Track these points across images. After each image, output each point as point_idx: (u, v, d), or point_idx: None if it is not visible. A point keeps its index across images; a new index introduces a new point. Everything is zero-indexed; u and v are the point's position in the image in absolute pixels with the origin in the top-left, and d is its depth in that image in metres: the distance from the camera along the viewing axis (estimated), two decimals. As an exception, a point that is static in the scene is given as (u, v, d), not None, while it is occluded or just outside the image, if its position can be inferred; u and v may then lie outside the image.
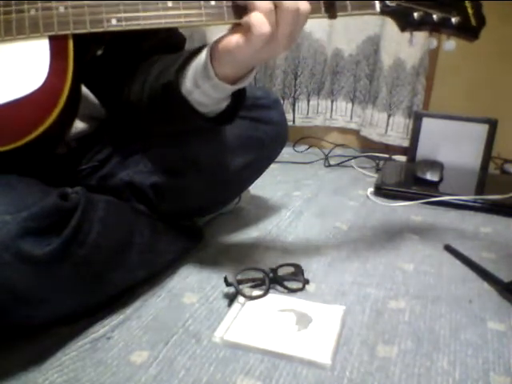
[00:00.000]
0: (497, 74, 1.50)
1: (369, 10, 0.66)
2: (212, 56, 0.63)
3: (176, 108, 0.70)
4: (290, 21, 0.59)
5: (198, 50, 0.67)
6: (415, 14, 0.68)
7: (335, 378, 0.61)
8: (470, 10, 0.70)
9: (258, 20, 0.58)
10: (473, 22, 0.70)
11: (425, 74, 1.58)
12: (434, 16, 0.69)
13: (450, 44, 0.71)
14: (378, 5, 0.66)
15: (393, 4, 0.67)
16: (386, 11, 0.67)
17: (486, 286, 0.83)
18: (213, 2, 0.62)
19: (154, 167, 0.81)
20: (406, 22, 0.69)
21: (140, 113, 0.77)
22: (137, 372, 0.60)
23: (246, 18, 0.59)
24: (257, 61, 0.64)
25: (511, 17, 1.38)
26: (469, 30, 0.71)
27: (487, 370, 0.63)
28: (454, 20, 0.69)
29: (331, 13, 0.64)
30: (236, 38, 0.60)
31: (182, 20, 0.62)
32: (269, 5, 0.58)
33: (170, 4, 0.61)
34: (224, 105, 0.71)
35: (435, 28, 0.70)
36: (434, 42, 0.72)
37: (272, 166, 0.96)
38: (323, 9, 0.64)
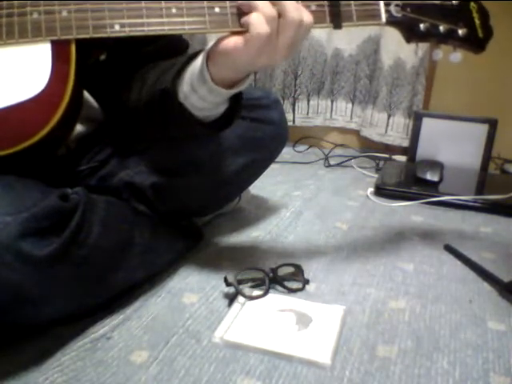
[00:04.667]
0: (497, 74, 1.50)
1: (375, 20, 0.66)
2: (209, 59, 0.63)
3: (173, 113, 0.69)
4: (292, 31, 0.59)
5: (195, 55, 0.67)
6: (421, 26, 0.67)
7: (335, 378, 0.61)
8: (477, 21, 0.69)
9: (257, 20, 0.58)
10: (480, 33, 0.70)
11: (425, 74, 1.58)
12: (441, 27, 0.68)
13: (456, 56, 0.70)
14: (383, 15, 0.66)
15: (399, 15, 0.66)
16: (391, 22, 0.66)
17: (486, 286, 0.83)
18: (217, 9, 0.61)
19: (154, 167, 0.81)
20: (412, 33, 0.68)
21: (138, 118, 0.77)
22: (137, 372, 0.60)
23: (245, 18, 0.59)
24: (254, 66, 0.63)
25: (511, 16, 1.38)
26: (475, 42, 0.70)
27: (487, 370, 0.63)
28: (460, 32, 0.69)
29: (336, 23, 0.63)
30: (234, 40, 0.60)
31: (186, 27, 0.61)
32: (271, 10, 0.58)
33: (173, 10, 0.61)
34: (222, 109, 0.71)
35: (441, 40, 0.69)
36: (440, 54, 0.70)
37: (272, 166, 0.96)
38: (328, 18, 0.64)
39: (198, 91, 0.66)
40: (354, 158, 1.61)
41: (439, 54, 0.70)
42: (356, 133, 1.76)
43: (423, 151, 1.45)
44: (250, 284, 0.79)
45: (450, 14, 0.68)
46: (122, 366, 0.61)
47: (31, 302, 0.60)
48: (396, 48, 1.57)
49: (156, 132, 0.79)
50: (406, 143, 1.62)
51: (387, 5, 0.66)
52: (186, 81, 0.67)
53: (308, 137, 1.75)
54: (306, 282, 0.81)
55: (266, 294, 0.76)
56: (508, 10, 1.36)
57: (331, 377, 0.61)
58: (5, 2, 0.60)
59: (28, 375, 0.59)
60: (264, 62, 0.62)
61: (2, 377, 0.59)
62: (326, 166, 1.56)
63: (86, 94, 0.79)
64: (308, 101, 1.74)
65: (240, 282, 0.77)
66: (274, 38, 0.59)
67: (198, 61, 0.65)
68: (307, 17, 0.60)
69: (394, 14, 0.66)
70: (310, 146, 1.73)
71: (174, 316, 0.72)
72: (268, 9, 0.58)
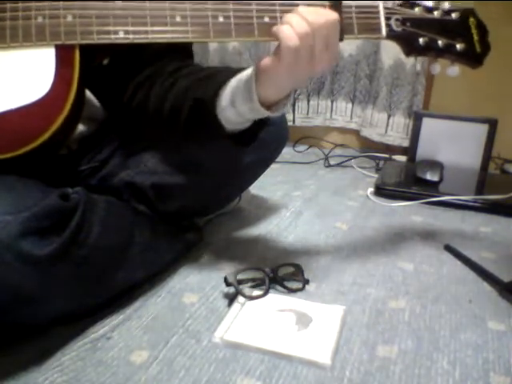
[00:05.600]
0: (497, 74, 1.50)
1: (375, 34, 0.67)
2: (256, 78, 0.63)
3: (204, 123, 0.70)
4: (323, 36, 0.60)
5: (238, 71, 0.68)
6: (421, 40, 0.69)
7: (335, 378, 0.61)
8: (475, 37, 0.70)
9: (286, 33, 0.58)
10: (477, 48, 0.71)
11: (425, 74, 1.58)
12: (439, 42, 0.69)
13: (454, 70, 0.72)
14: (384, 29, 0.67)
15: (399, 29, 0.67)
16: (391, 36, 0.68)
17: (485, 285, 0.83)
18: (221, 19, 0.62)
19: (155, 167, 0.81)
20: (411, 47, 0.69)
21: (153, 118, 0.77)
22: (137, 372, 0.60)
23: (275, 28, 0.60)
24: (294, 79, 0.63)
25: (511, 17, 1.38)
26: (473, 57, 0.71)
27: (487, 370, 0.63)
28: (458, 46, 0.70)
29: (339, 35, 0.64)
30: (272, 57, 0.61)
31: (190, 36, 0.62)
32: (301, 22, 0.58)
33: (178, 19, 0.61)
34: (247, 125, 0.71)
35: (440, 54, 0.71)
36: (437, 68, 0.71)
37: (272, 166, 0.96)
38: None
39: (238, 107, 0.66)
40: (354, 158, 1.61)
41: (437, 68, 0.72)
42: (356, 133, 1.76)
43: (423, 151, 1.45)
44: (250, 284, 0.79)
45: (448, 29, 0.69)
46: (121, 366, 0.61)
47: (31, 302, 0.60)
48: (396, 48, 1.56)
49: (172, 133, 0.79)
50: (406, 143, 1.62)
51: (388, 19, 0.67)
52: (227, 94, 0.67)
53: (308, 137, 1.75)
54: (306, 281, 0.81)
55: (265, 294, 0.76)
56: (508, 11, 1.36)
57: (331, 377, 0.61)
58: (9, 5, 0.59)
59: (28, 375, 0.59)
60: (304, 74, 0.62)
61: (2, 377, 0.59)
62: (326, 166, 1.56)
63: (88, 93, 0.79)
64: (308, 101, 1.74)
65: (240, 282, 0.77)
66: (305, 48, 0.59)
67: (243, 77, 0.65)
68: (331, 15, 0.61)
69: (394, 28, 0.68)
70: (310, 146, 1.73)
71: (174, 316, 0.72)
72: (297, 21, 0.58)
